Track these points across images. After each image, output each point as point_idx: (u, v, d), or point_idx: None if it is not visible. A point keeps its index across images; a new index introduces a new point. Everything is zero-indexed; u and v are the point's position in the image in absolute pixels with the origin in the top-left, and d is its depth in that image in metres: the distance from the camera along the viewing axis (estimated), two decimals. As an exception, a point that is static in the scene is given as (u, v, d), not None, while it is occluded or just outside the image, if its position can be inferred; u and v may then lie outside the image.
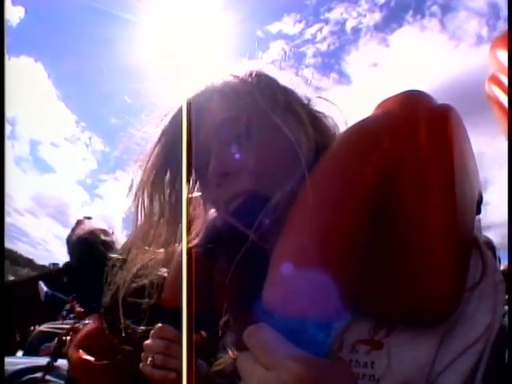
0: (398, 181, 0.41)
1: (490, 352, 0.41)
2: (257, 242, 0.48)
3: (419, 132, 0.42)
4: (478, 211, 0.51)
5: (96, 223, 1.39)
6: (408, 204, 0.41)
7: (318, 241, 0.36)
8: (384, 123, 0.43)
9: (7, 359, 1.12)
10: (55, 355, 1.16)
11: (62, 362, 1.14)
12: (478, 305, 0.42)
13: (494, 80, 0.42)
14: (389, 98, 0.47)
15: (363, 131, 0.44)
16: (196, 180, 0.57)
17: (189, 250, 0.49)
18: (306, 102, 0.55)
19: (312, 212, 0.38)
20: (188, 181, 0.50)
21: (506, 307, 0.51)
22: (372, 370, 0.44)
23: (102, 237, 1.22)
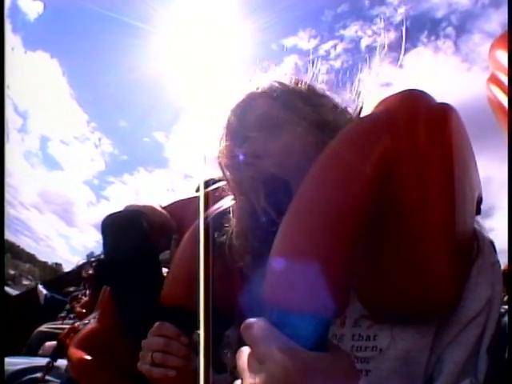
0: (397, 178, 0.41)
1: (494, 327, 0.43)
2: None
3: (419, 130, 0.42)
4: (478, 211, 0.51)
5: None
6: (407, 201, 0.41)
7: (316, 236, 0.36)
8: (384, 121, 0.43)
9: (7, 359, 1.11)
10: (55, 355, 1.16)
11: (61, 362, 1.13)
12: (477, 280, 0.45)
13: (494, 80, 0.42)
14: (389, 97, 0.47)
15: (364, 128, 0.44)
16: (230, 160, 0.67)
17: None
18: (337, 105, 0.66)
19: (310, 207, 0.38)
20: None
21: (506, 306, 0.52)
22: (375, 341, 0.47)
23: (149, 216, 0.91)
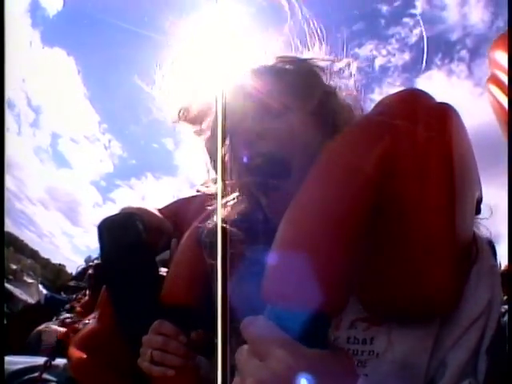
0: (397, 178, 0.41)
1: (494, 328, 0.43)
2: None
3: (419, 129, 0.42)
4: (478, 211, 0.51)
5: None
6: (407, 201, 0.41)
7: (316, 234, 0.36)
8: (384, 120, 0.43)
9: (7, 358, 1.11)
10: (54, 355, 1.16)
11: (60, 361, 1.13)
12: (477, 283, 0.45)
13: (494, 80, 0.42)
14: (390, 96, 0.47)
15: (364, 127, 0.44)
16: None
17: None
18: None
19: (311, 206, 0.38)
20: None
21: (506, 306, 0.52)
22: (371, 345, 0.46)
23: (145, 218, 0.92)
